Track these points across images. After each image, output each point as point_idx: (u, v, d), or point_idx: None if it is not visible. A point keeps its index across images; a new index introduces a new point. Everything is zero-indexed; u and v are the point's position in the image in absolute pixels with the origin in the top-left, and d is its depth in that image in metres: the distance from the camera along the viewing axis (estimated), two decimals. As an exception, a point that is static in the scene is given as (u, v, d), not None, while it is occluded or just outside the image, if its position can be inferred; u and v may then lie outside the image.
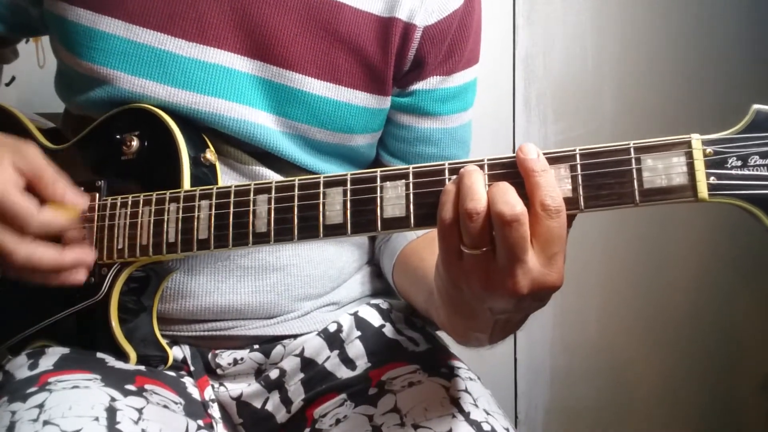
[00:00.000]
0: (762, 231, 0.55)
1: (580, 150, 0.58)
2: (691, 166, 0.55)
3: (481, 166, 0.60)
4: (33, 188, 0.73)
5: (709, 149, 0.55)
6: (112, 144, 0.79)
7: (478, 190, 0.56)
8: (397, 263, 0.86)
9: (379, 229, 0.63)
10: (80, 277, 0.75)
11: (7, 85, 1.40)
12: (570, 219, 0.58)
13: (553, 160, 0.58)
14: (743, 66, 1.74)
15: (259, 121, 0.80)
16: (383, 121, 0.87)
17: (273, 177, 0.83)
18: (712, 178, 0.55)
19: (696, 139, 0.55)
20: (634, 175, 0.56)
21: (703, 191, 0.55)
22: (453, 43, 0.84)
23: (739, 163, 0.54)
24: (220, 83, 0.79)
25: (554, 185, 0.57)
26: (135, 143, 0.78)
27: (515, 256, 0.55)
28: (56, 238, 0.74)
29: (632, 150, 0.56)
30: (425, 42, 0.82)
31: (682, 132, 0.56)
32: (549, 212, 0.55)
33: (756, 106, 0.55)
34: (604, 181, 0.57)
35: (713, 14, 1.74)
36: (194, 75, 0.79)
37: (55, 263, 0.72)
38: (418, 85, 0.85)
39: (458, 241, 0.57)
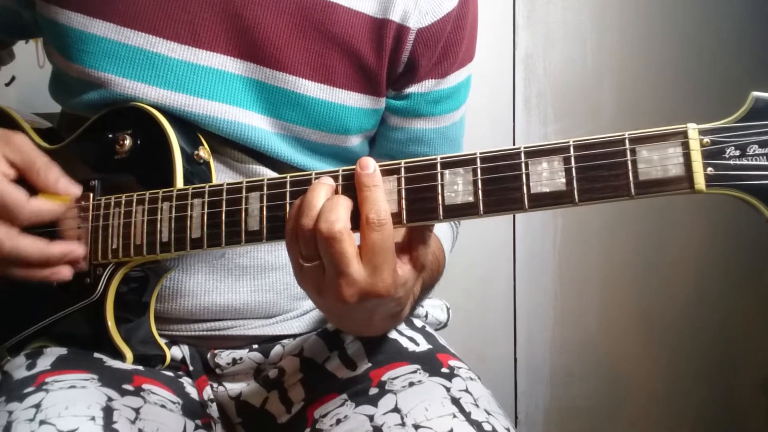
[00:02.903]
0: (762, 225, 0.53)
1: (574, 142, 0.57)
2: (687, 156, 0.53)
3: (336, 178, 0.63)
4: (25, 178, 0.73)
5: (706, 139, 0.53)
6: (105, 143, 0.79)
7: (315, 205, 0.60)
8: None
9: None
10: (65, 273, 0.74)
11: (7, 85, 1.40)
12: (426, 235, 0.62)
13: (547, 152, 0.57)
14: (744, 66, 1.74)
15: (253, 123, 0.80)
16: (378, 120, 0.86)
17: (269, 175, 0.82)
18: (709, 168, 0.53)
19: (692, 129, 0.54)
20: (629, 167, 0.55)
21: (700, 182, 0.53)
22: (447, 45, 0.83)
23: (738, 152, 0.53)
24: (212, 85, 0.79)
25: (381, 200, 0.60)
26: (128, 142, 0.78)
27: (337, 269, 0.59)
28: (49, 234, 0.74)
29: (627, 141, 0.55)
30: (418, 44, 0.81)
31: (682, 132, 0.55)
32: (372, 225, 0.59)
33: (755, 94, 0.53)
34: (598, 173, 0.55)
35: (713, 14, 1.74)
36: (186, 77, 0.79)
37: (41, 255, 0.72)
38: (413, 88, 0.84)
39: (299, 253, 0.61)
